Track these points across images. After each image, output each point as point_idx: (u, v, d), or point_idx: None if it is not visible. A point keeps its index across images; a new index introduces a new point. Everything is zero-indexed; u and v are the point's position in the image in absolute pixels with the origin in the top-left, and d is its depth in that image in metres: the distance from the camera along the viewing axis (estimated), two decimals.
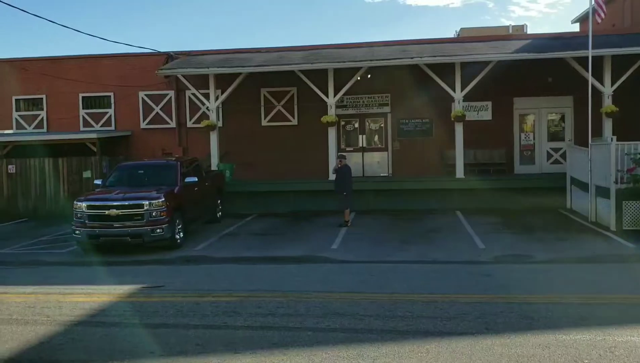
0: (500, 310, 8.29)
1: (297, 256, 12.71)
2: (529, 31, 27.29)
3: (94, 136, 19.93)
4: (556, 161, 20.40)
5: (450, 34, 28.28)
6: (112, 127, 22.11)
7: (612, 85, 17.64)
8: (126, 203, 13.39)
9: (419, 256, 12.47)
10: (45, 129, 22.38)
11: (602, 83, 17.59)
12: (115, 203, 13.38)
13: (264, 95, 21.47)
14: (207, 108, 20.00)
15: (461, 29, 29.75)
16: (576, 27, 26.50)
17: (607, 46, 17.23)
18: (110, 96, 22.17)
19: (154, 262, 12.58)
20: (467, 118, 18.96)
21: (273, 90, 21.26)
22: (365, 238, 14.51)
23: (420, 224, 16.35)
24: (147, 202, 13.31)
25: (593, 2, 16.22)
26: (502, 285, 9.87)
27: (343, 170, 16.14)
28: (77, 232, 13.48)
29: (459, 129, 18.71)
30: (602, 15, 15.57)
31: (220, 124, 20.27)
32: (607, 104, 17.64)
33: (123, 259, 12.93)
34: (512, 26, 31.87)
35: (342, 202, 16.19)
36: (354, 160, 20.16)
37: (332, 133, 19.03)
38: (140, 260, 12.75)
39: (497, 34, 25.73)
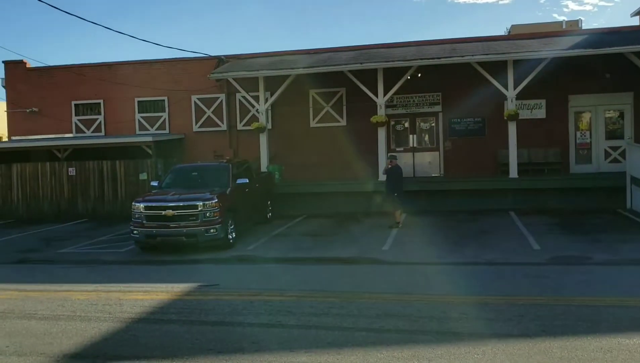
0: (558, 313, 8.12)
1: (347, 257, 12.76)
2: (584, 26, 26.53)
3: (149, 139, 20.55)
4: (615, 160, 19.76)
5: (501, 31, 27.85)
6: (167, 131, 22.73)
7: None
8: (181, 204, 13.76)
9: (472, 257, 12.32)
10: (103, 133, 23.19)
11: None
12: (171, 204, 13.77)
13: (313, 96, 21.62)
14: (256, 110, 20.30)
15: (512, 25, 29.11)
16: (635, 21, 25.53)
17: None
18: (164, 100, 22.80)
19: (208, 261, 12.87)
20: (520, 117, 18.61)
21: (322, 91, 21.38)
22: (417, 239, 14.43)
23: (473, 225, 16.14)
24: (201, 203, 13.65)
25: None
26: (559, 286, 9.66)
27: (394, 171, 16.10)
28: (135, 232, 13.94)
29: (512, 128, 18.39)
30: None
31: (269, 126, 20.54)
32: None
33: (179, 258, 13.28)
34: (566, 21, 31.00)
35: (393, 203, 16.14)
36: (404, 160, 20.05)
37: (381, 133, 19.01)
38: (195, 259, 13.07)
39: (550, 30, 25.14)
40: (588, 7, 69.76)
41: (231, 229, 14.27)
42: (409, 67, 18.68)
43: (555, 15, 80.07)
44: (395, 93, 19.29)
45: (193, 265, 12.59)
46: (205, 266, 12.44)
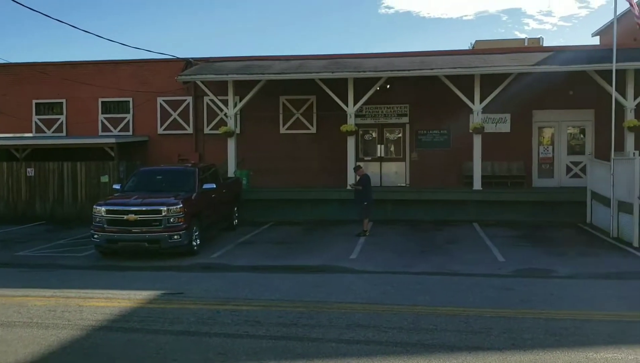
0: (526, 326, 8.13)
1: (315, 265, 12.61)
2: (545, 45, 27.11)
3: (112, 140, 20.02)
4: (576, 175, 20.17)
5: (465, 45, 28.29)
6: (130, 133, 22.19)
7: (634, 99, 17.44)
8: (144, 208, 13.38)
9: (439, 267, 12.34)
10: (64, 133, 22.50)
11: (624, 97, 17.40)
12: (133, 208, 13.37)
13: (283, 102, 21.46)
14: (225, 115, 20.01)
15: (476, 41, 29.57)
16: (596, 41, 26.30)
17: (630, 60, 17.06)
18: (129, 101, 22.27)
19: (171, 268, 12.52)
20: (485, 130, 18.82)
21: (292, 98, 21.24)
22: (384, 248, 14.39)
23: (439, 235, 16.21)
24: (165, 208, 13.29)
25: (619, 12, 16.03)
26: (525, 299, 9.70)
27: (363, 179, 16.05)
28: (96, 236, 13.48)
29: (477, 141, 18.58)
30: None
31: (238, 130, 20.27)
32: (630, 118, 17.45)
33: (140, 264, 12.89)
34: (528, 39, 31.72)
35: (361, 211, 16.08)
36: (371, 170, 20.03)
37: (351, 142, 18.97)
38: (157, 266, 12.70)
39: (513, 46, 25.62)
40: (548, 27, 71.69)
41: (196, 235, 13.93)
42: (379, 78, 18.72)
43: (516, 32, 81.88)
44: (364, 103, 19.30)
45: (156, 272, 12.22)
46: (168, 274, 12.09)
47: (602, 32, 25.67)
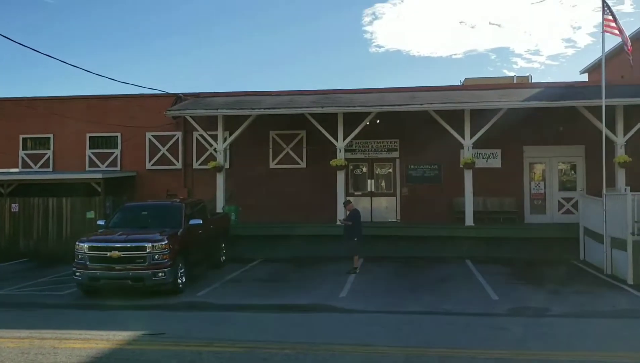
0: None
1: (304, 304, 12.21)
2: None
3: (99, 176, 19.71)
4: (568, 211, 20.01)
5: (455, 84, 28.37)
6: (118, 168, 21.91)
7: (624, 135, 17.41)
8: (128, 245, 13.00)
9: (431, 306, 11.98)
10: (51, 169, 22.18)
11: (614, 133, 17.37)
12: (117, 245, 12.99)
13: (273, 137, 21.32)
14: (214, 149, 19.81)
15: (466, 78, 29.82)
16: (584, 77, 26.52)
17: (618, 96, 17.09)
18: (117, 137, 22.06)
19: (155, 307, 12.09)
20: (476, 165, 18.69)
21: (282, 132, 21.12)
22: (375, 287, 14.03)
23: (431, 273, 15.87)
24: (149, 244, 12.92)
25: (608, 50, 16.11)
26: (521, 339, 9.36)
27: (353, 215, 15.77)
28: (78, 274, 13.04)
29: (468, 176, 18.42)
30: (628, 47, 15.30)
31: (227, 165, 20.05)
32: (620, 154, 17.40)
33: (123, 303, 12.44)
34: (517, 77, 32.03)
35: (352, 248, 15.75)
36: (362, 205, 19.84)
37: (341, 177, 18.76)
38: (140, 305, 12.27)
39: (502, 83, 25.78)
40: (536, 65, 72.93)
41: (181, 273, 13.53)
42: (369, 113, 18.65)
43: (505, 71, 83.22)
44: (354, 138, 19.18)
45: (138, 311, 11.78)
46: (151, 313, 11.66)
47: (590, 70, 25.92)
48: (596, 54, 75.51)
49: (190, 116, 19.53)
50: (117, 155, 22.05)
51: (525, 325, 10.32)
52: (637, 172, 17.67)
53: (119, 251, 12.82)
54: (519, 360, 8.13)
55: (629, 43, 15.20)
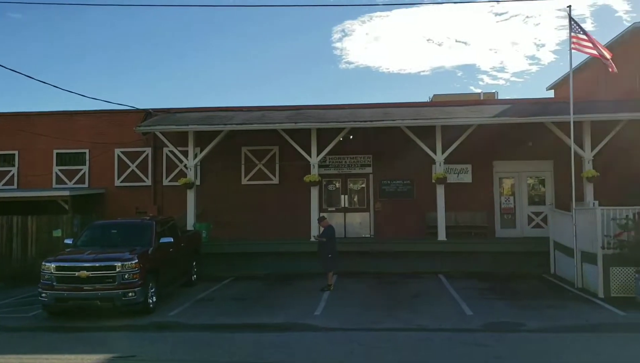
0: None
1: (278, 323, 11.99)
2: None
3: (66, 193, 19.19)
4: (537, 225, 20.24)
5: (424, 99, 28.75)
6: (86, 185, 21.40)
7: (592, 150, 17.72)
8: (97, 264, 12.59)
9: (407, 322, 11.88)
10: (15, 186, 21.52)
11: (582, 148, 17.66)
12: (85, 264, 12.57)
13: (245, 153, 21.11)
14: (185, 166, 19.51)
15: (434, 95, 30.25)
16: (551, 94, 27.04)
17: (585, 112, 17.40)
18: (85, 153, 21.57)
19: (124, 328, 11.71)
20: (447, 180, 18.79)
21: (254, 148, 20.93)
22: (350, 304, 13.87)
23: (405, 289, 15.80)
24: (119, 263, 12.56)
25: (574, 66, 16.41)
26: (498, 355, 9.32)
27: (327, 231, 15.63)
28: (44, 295, 12.57)
29: (440, 191, 18.51)
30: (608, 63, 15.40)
31: (198, 182, 19.75)
32: (588, 168, 17.67)
33: (91, 324, 12.04)
34: (483, 93, 32.60)
35: (326, 264, 15.58)
36: (335, 220, 19.75)
37: (314, 193, 18.65)
38: (110, 326, 11.88)
39: (470, 99, 26.15)
40: (501, 82, 74.41)
41: (152, 292, 13.18)
42: (342, 129, 18.62)
43: (471, 87, 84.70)
44: (328, 153, 19.11)
45: (107, 333, 11.39)
46: (121, 334, 11.28)
47: (557, 86, 26.43)
48: (559, 71, 77.64)
49: (161, 132, 19.21)
50: (85, 172, 21.53)
51: (501, 341, 10.29)
52: (605, 186, 17.98)
53: (87, 271, 12.43)
54: None
55: (606, 52, 15.32)
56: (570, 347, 9.89)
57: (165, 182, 21.20)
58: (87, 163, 21.54)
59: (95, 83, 69.90)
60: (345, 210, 20.96)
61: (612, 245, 13.97)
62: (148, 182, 21.32)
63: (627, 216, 14.08)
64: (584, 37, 15.17)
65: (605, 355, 9.36)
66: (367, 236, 20.63)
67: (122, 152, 21.39)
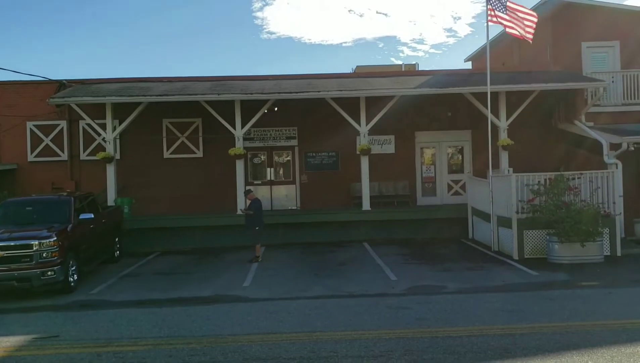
0: (425, 346, 8.06)
1: (206, 296, 11.92)
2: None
3: None
4: (457, 193, 21.02)
5: (347, 70, 28.97)
6: None
7: (507, 119, 18.52)
8: (12, 244, 12.01)
9: (334, 290, 12.13)
10: None
11: (497, 118, 18.42)
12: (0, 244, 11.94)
13: (167, 126, 20.51)
14: (103, 139, 18.76)
15: (357, 66, 30.47)
16: (469, 65, 27.93)
17: (501, 83, 18.11)
18: None
19: (45, 309, 11.26)
20: (371, 151, 19.09)
21: (176, 121, 20.36)
22: (278, 274, 14.00)
23: (331, 257, 16.11)
24: (36, 242, 12.03)
25: (490, 38, 17.00)
26: (421, 317, 9.70)
27: (254, 204, 15.59)
28: None
29: (364, 162, 18.80)
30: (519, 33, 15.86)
31: (117, 156, 19.05)
32: (503, 137, 18.47)
33: (9, 306, 11.48)
34: (405, 64, 33.25)
35: (253, 236, 15.59)
36: (261, 193, 19.66)
37: (240, 166, 18.44)
38: (29, 307, 11.38)
39: (392, 70, 26.57)
40: (420, 53, 75.95)
41: (72, 270, 12.73)
42: (267, 100, 18.44)
43: (392, 59, 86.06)
44: (253, 126, 18.90)
45: (27, 314, 10.92)
46: (41, 315, 10.84)
47: (474, 58, 27.31)
48: (475, 43, 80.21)
49: (76, 104, 18.31)
50: None
51: (424, 303, 10.72)
52: (519, 154, 18.88)
53: (2, 251, 11.81)
54: (422, 339, 8.41)
55: (530, 16, 15.82)
56: (488, 306, 10.44)
57: (83, 156, 20.30)
58: None
59: (1, 53, 65.42)
60: (271, 183, 20.91)
61: (526, 210, 14.80)
62: (64, 156, 20.33)
63: (539, 181, 14.93)
64: (503, 15, 15.65)
65: (519, 312, 9.95)
66: (293, 208, 20.72)
67: (35, 125, 20.24)
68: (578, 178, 15.08)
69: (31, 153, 20.25)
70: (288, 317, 10.04)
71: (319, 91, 18.26)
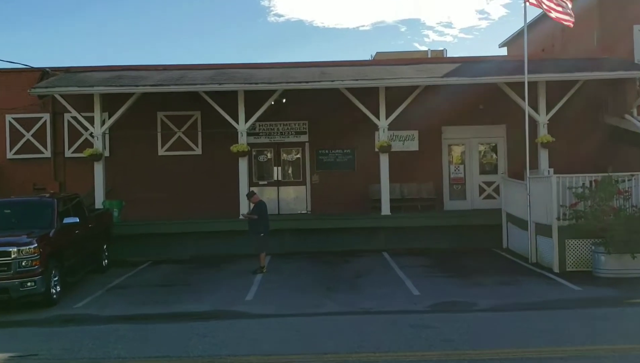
0: None
1: (204, 311, 11.96)
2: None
3: None
4: (489, 196, 20.93)
5: (365, 58, 28.98)
6: None
7: (547, 113, 18.37)
8: None
9: (349, 305, 12.12)
10: None
11: (536, 111, 18.29)
12: None
13: (162, 119, 20.69)
14: (90, 134, 18.97)
15: (377, 53, 30.53)
16: (504, 51, 27.78)
17: (540, 71, 17.96)
18: None
19: (24, 323, 11.40)
20: (392, 149, 19.05)
21: (172, 114, 20.54)
22: (285, 286, 14.02)
23: (346, 268, 16.10)
24: (15, 249, 12.17)
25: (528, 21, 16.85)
26: (447, 339, 9.62)
27: (258, 207, 15.61)
28: None
29: (384, 160, 18.78)
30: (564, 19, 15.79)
31: (107, 153, 19.26)
32: (543, 133, 18.35)
33: None
34: (431, 51, 33.20)
35: (257, 244, 15.62)
36: (267, 195, 19.78)
37: (243, 164, 18.53)
38: (6, 321, 11.52)
39: (416, 57, 26.53)
40: (449, 38, 75.84)
41: (55, 281, 12.87)
42: (274, 91, 18.49)
43: (416, 44, 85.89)
44: (258, 120, 18.98)
45: (3, 329, 11.04)
46: (20, 330, 10.97)
47: (509, 43, 27.17)
48: (511, 26, 79.63)
49: (61, 95, 18.53)
50: None
51: (451, 322, 10.64)
52: (560, 152, 18.73)
53: None
54: (447, 362, 8.33)
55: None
56: (524, 326, 10.33)
57: (68, 153, 20.54)
58: None
59: None
60: (278, 184, 20.98)
61: (568, 216, 14.64)
62: (47, 153, 20.59)
63: (583, 184, 14.77)
64: None
65: (559, 332, 9.83)
66: (303, 212, 20.76)
67: (14, 118, 20.51)
68: (629, 179, 14.89)
69: (10, 149, 20.52)
70: (295, 336, 10.03)
71: (332, 81, 18.26)
